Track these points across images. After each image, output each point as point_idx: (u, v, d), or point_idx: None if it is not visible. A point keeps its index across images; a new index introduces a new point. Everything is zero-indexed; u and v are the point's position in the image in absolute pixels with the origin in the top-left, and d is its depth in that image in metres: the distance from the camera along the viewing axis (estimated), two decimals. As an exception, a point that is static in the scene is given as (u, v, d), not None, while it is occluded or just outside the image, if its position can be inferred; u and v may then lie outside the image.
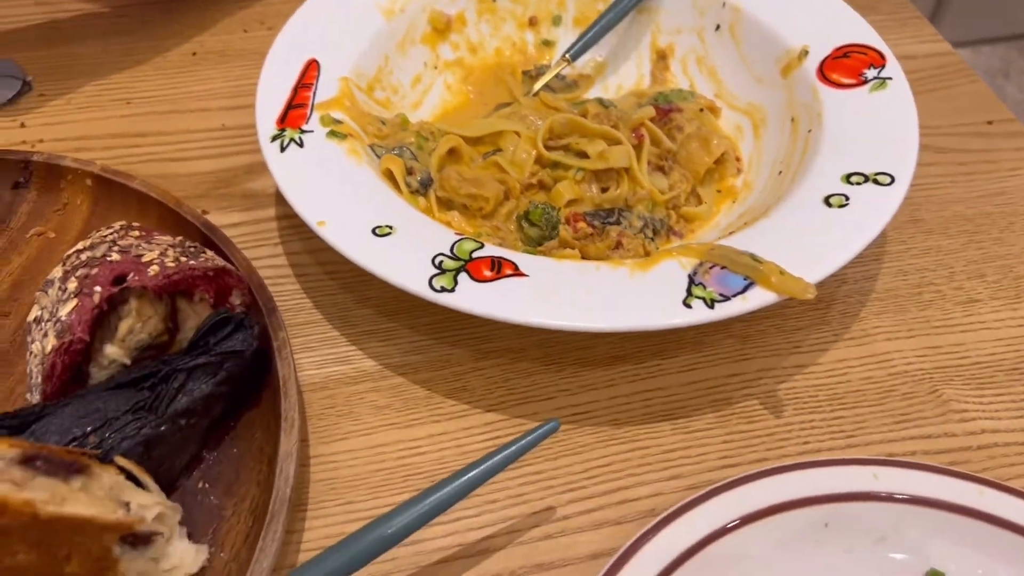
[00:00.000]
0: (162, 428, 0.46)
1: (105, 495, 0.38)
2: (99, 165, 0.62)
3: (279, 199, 0.65)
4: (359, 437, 0.53)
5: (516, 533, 0.48)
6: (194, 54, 0.78)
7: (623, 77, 0.74)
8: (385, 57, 0.67)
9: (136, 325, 0.49)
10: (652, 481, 0.50)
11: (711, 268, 0.50)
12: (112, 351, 0.49)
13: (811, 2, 0.69)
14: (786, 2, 0.69)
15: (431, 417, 0.54)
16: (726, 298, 0.48)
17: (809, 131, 0.61)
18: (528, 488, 0.50)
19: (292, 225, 0.63)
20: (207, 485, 0.48)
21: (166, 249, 0.50)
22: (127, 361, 0.50)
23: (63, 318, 0.47)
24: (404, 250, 0.51)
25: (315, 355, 0.56)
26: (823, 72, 0.64)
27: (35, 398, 0.48)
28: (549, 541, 0.48)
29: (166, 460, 0.47)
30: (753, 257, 0.50)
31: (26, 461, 0.37)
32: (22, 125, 0.71)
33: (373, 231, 0.52)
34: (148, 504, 0.41)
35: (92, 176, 0.61)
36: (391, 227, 0.52)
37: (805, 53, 0.65)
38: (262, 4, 0.83)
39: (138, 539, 0.41)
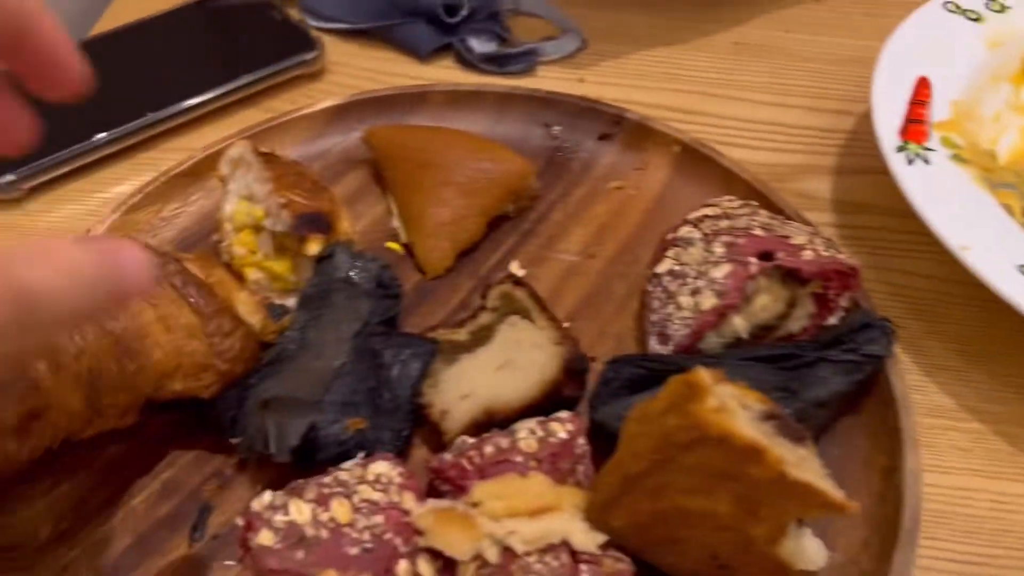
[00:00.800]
0: (798, 413, 0.45)
1: (820, 471, 0.38)
2: (690, 136, 0.63)
3: (839, 206, 0.64)
4: (938, 474, 0.50)
5: None
6: (736, 44, 0.78)
7: None
8: (978, 87, 0.64)
9: (768, 303, 0.50)
10: None
11: None
12: (738, 322, 0.49)
13: None
14: None
15: (1018, 475, 0.50)
16: None
17: None
18: None
19: (851, 236, 0.62)
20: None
21: (811, 236, 0.50)
22: (744, 335, 0.50)
23: (719, 280, 0.48)
24: (1056, 296, 0.48)
25: (884, 376, 0.54)
26: None
27: (659, 347, 0.50)
28: None
29: (784, 444, 0.46)
30: None
31: (769, 417, 0.37)
32: (581, 80, 0.74)
33: (1020, 268, 0.49)
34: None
35: (681, 144, 0.63)
36: (1040, 268, 0.50)
37: None
38: (800, 7, 0.82)
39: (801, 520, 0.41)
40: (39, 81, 0.33)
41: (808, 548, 0.42)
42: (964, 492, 0.50)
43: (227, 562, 0.45)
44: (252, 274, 0.54)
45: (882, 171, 0.56)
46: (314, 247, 0.51)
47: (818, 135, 0.69)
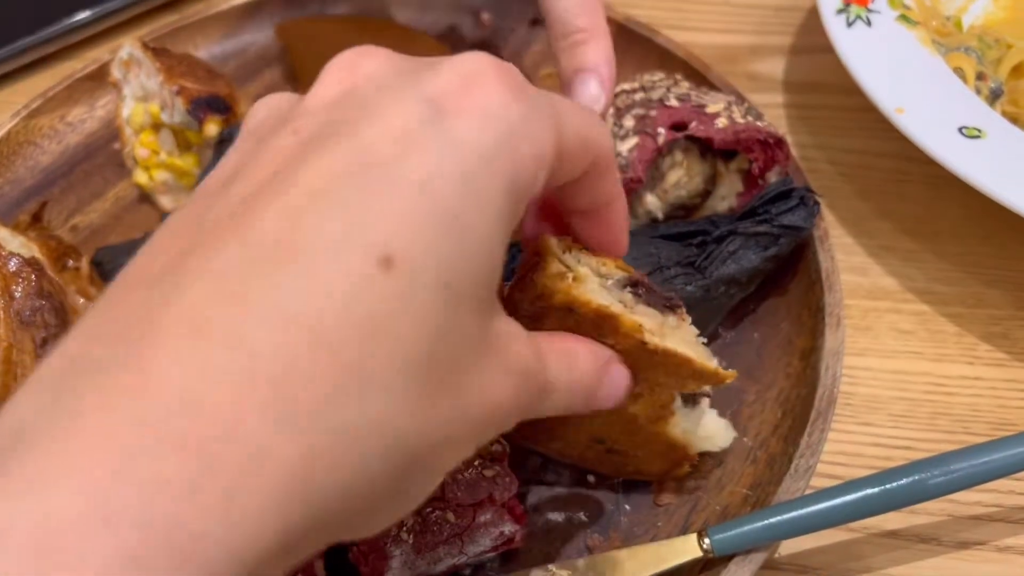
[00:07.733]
0: (705, 291, 0.42)
1: (694, 341, 0.35)
2: (623, 14, 0.59)
3: (790, 87, 0.59)
4: (877, 357, 0.47)
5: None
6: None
7: None
8: (944, -51, 0.58)
9: (683, 179, 0.46)
10: None
11: None
12: (650, 200, 0.46)
13: None
14: None
15: (962, 357, 0.47)
16: None
17: None
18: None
19: (800, 116, 0.58)
20: (725, 365, 0.44)
21: (729, 104, 0.46)
22: (659, 215, 0.46)
23: (624, 154, 0.44)
24: (998, 158, 0.44)
25: (827, 258, 0.50)
26: None
27: (568, 231, 0.46)
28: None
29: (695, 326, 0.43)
30: None
31: (629, 285, 0.34)
32: (523, -32, 0.70)
33: (960, 130, 0.45)
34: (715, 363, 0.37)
35: (614, 23, 0.58)
36: (980, 130, 0.45)
37: None
38: None
39: (693, 398, 0.38)
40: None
41: (708, 427, 0.39)
42: (903, 376, 0.46)
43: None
44: (159, 175, 0.52)
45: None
46: (212, 128, 0.48)
47: (771, 14, 0.64)
